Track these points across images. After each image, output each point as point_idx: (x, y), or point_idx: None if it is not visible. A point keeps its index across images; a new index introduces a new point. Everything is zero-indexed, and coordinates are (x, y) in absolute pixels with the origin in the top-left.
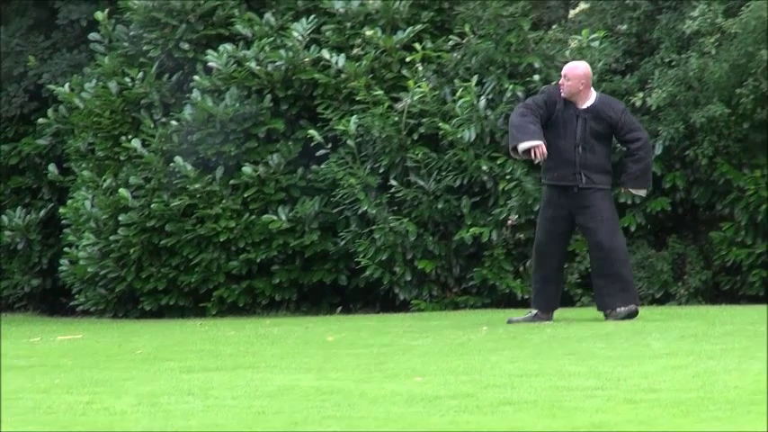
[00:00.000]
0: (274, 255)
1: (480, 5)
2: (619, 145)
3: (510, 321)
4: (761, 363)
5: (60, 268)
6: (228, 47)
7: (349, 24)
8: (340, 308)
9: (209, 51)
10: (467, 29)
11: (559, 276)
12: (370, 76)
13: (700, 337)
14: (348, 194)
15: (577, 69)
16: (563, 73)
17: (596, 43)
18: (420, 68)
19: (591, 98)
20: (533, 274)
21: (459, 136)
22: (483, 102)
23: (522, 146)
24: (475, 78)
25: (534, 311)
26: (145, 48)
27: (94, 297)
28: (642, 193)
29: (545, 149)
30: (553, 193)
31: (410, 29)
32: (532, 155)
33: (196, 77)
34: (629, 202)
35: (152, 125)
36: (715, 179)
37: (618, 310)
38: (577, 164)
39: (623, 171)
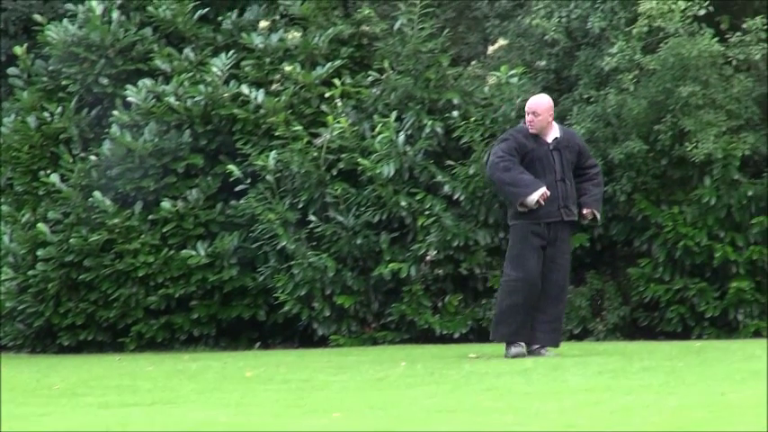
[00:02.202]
0: (193, 290)
1: (399, 41)
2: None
3: (514, 356)
4: (678, 399)
5: None
6: (147, 82)
7: (268, 60)
8: (258, 343)
9: (128, 86)
10: (386, 64)
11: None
12: (290, 111)
13: (618, 373)
14: (267, 230)
15: (544, 103)
16: (531, 110)
17: (515, 79)
18: (339, 104)
19: (555, 129)
20: (518, 307)
21: (378, 171)
22: (402, 137)
23: (531, 198)
24: (394, 114)
25: (519, 345)
26: (64, 82)
27: (12, 332)
28: (598, 216)
29: (547, 191)
30: (536, 229)
31: (329, 64)
32: (542, 201)
33: (115, 112)
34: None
35: (71, 160)
36: (633, 215)
37: (545, 351)
38: (560, 198)
39: (584, 194)
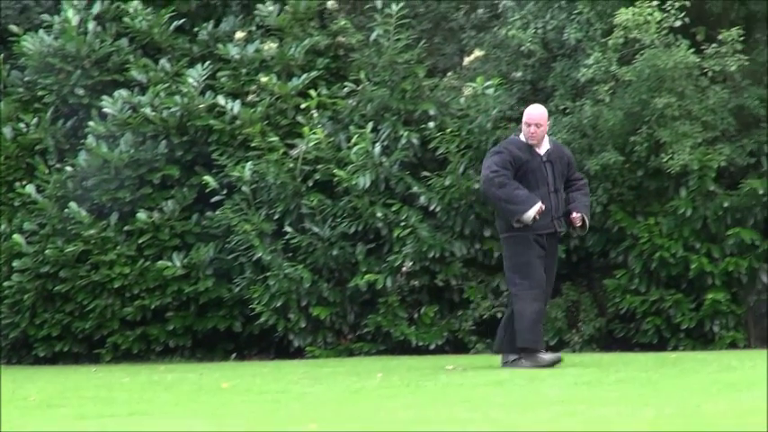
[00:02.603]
0: (169, 301)
1: (375, 52)
2: None
3: (553, 361)
4: (654, 410)
5: None
6: (123, 92)
7: (244, 71)
8: (234, 354)
9: (104, 97)
10: (362, 75)
11: None
12: (266, 122)
13: (593, 385)
14: (243, 241)
15: (544, 114)
16: (534, 121)
17: (491, 90)
18: (315, 115)
19: (546, 141)
20: (536, 314)
21: (353, 183)
22: (378, 148)
23: (528, 215)
24: (370, 125)
25: (541, 352)
26: (40, 93)
27: None
28: (587, 221)
29: (543, 205)
30: (537, 239)
31: (305, 75)
32: (537, 217)
33: (91, 123)
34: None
35: (46, 171)
36: (609, 227)
37: (523, 361)
38: (553, 209)
39: (573, 201)
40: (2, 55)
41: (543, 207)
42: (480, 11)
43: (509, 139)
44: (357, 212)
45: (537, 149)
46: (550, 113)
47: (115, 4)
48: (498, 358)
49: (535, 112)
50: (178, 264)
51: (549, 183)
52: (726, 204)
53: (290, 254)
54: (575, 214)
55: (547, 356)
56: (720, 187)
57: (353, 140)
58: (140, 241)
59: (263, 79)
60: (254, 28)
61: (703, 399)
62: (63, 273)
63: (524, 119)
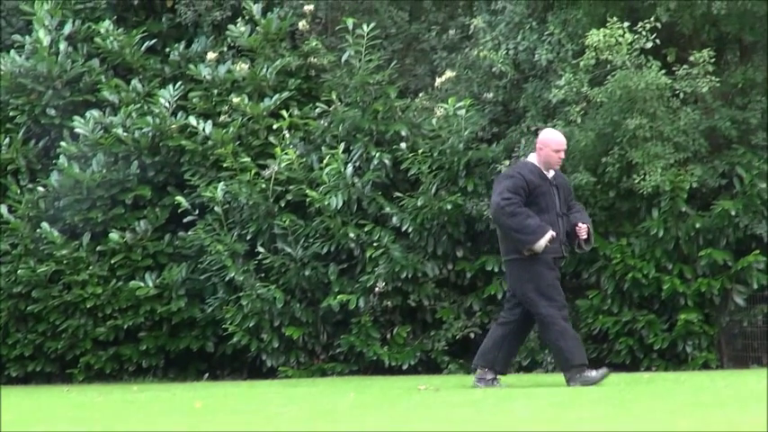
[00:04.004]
0: (141, 321)
1: (347, 73)
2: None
3: (604, 376)
4: (627, 430)
5: None
6: (95, 113)
7: (216, 91)
8: (207, 374)
9: (76, 117)
10: (334, 96)
11: None
12: (237, 143)
13: (566, 405)
14: (215, 261)
15: (564, 140)
16: (562, 147)
17: (462, 111)
18: (287, 136)
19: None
20: (569, 333)
21: (326, 203)
22: (350, 169)
23: (539, 246)
24: (342, 146)
25: (588, 368)
26: (11, 113)
27: None
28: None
29: (554, 232)
30: (548, 263)
31: (277, 96)
32: (548, 245)
33: (63, 143)
34: (496, 269)
35: (18, 191)
36: None
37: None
38: (561, 233)
39: (576, 216)
40: None
41: (554, 234)
42: (452, 32)
43: (521, 163)
44: (329, 233)
45: (546, 173)
46: (521, 135)
47: (86, 24)
48: (471, 378)
49: (563, 139)
50: (151, 284)
51: (558, 207)
52: (698, 225)
53: (263, 274)
54: (581, 224)
55: (594, 374)
56: (692, 208)
57: (325, 161)
58: (113, 261)
59: (235, 100)
60: (225, 49)
61: (676, 419)
62: (35, 293)
63: (553, 146)
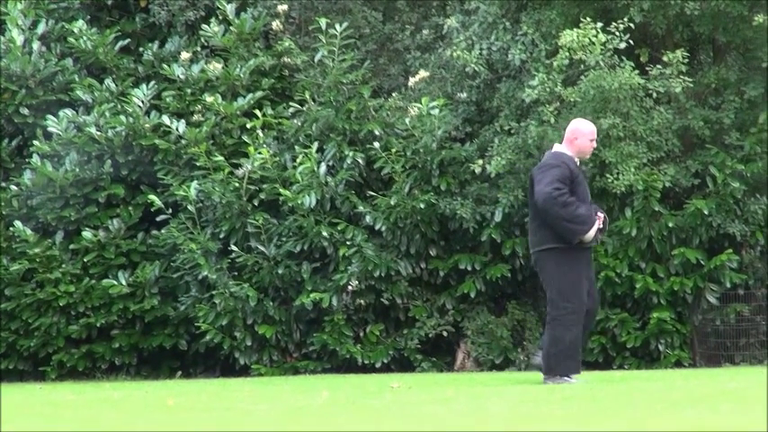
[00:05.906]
0: (114, 319)
1: (320, 73)
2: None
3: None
4: (599, 427)
5: None
6: (68, 112)
7: (189, 91)
8: (180, 372)
9: (49, 116)
10: (307, 96)
11: None
12: (211, 142)
13: (539, 402)
14: (188, 259)
15: (595, 128)
16: (594, 136)
17: (436, 111)
18: (260, 135)
19: None
20: (574, 341)
21: (299, 202)
22: (323, 168)
23: (589, 236)
24: (315, 145)
25: (572, 376)
26: None
27: None
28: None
29: (600, 215)
30: (583, 253)
31: (250, 95)
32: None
33: (36, 142)
34: (469, 267)
35: None
36: None
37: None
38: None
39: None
40: None
41: (600, 225)
42: (425, 32)
43: (559, 153)
44: (303, 231)
45: (578, 163)
46: (495, 134)
47: (60, 24)
48: (446, 376)
49: (589, 127)
50: (124, 282)
51: (588, 196)
52: (671, 224)
53: (236, 272)
54: (600, 214)
55: (573, 381)
56: (665, 207)
57: (299, 160)
58: (86, 260)
59: (209, 99)
60: (199, 48)
61: (648, 416)
62: (8, 291)
63: (588, 135)
